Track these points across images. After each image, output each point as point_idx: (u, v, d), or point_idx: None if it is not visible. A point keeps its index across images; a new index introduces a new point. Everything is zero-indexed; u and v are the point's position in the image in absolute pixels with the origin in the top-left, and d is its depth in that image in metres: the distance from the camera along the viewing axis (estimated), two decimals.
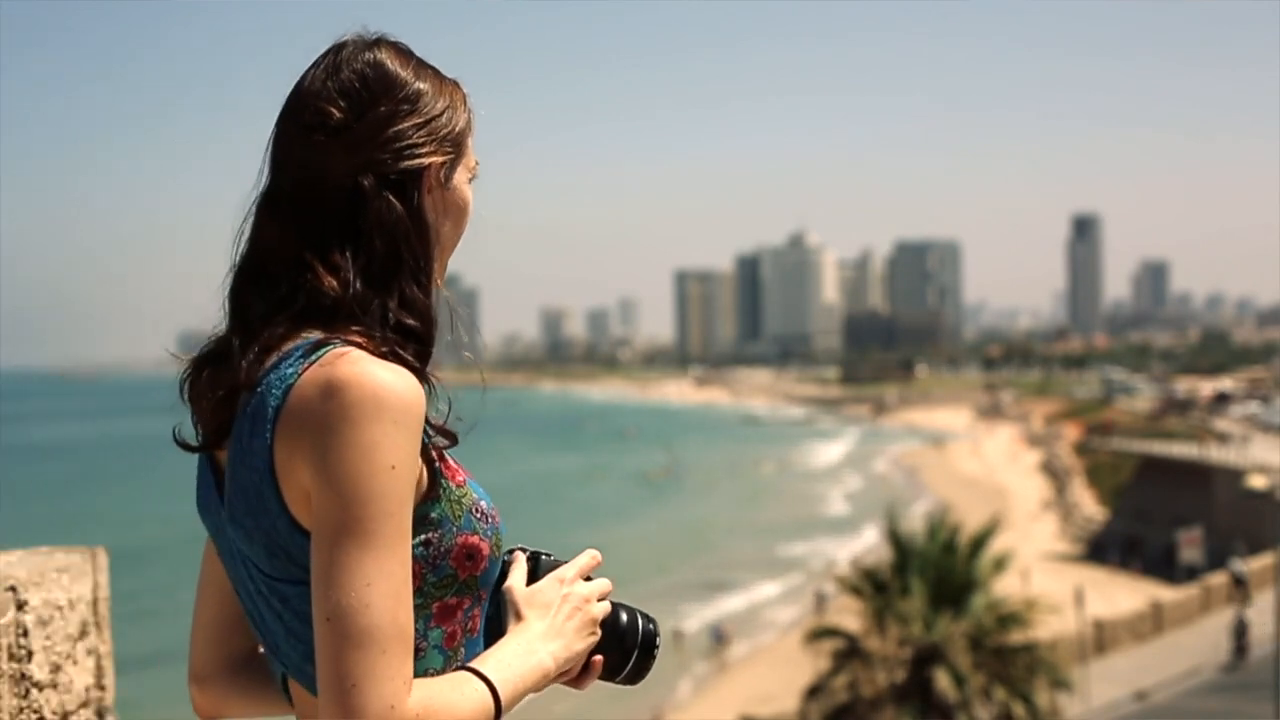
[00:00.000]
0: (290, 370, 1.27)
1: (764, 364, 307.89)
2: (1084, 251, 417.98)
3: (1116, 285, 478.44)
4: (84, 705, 2.27)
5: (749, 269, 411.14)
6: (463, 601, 1.35)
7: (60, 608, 2.21)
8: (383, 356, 1.27)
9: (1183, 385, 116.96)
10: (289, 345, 1.30)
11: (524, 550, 1.48)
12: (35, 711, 2.12)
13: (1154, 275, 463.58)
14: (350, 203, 1.34)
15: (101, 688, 2.35)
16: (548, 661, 1.37)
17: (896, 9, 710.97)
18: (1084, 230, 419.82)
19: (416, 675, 1.25)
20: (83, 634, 2.28)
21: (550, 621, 1.39)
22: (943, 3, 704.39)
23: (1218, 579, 35.63)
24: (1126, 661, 29.54)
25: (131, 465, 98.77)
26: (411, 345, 1.32)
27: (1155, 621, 32.53)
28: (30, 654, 2.12)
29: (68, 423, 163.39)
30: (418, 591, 1.29)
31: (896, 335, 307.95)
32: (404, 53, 1.42)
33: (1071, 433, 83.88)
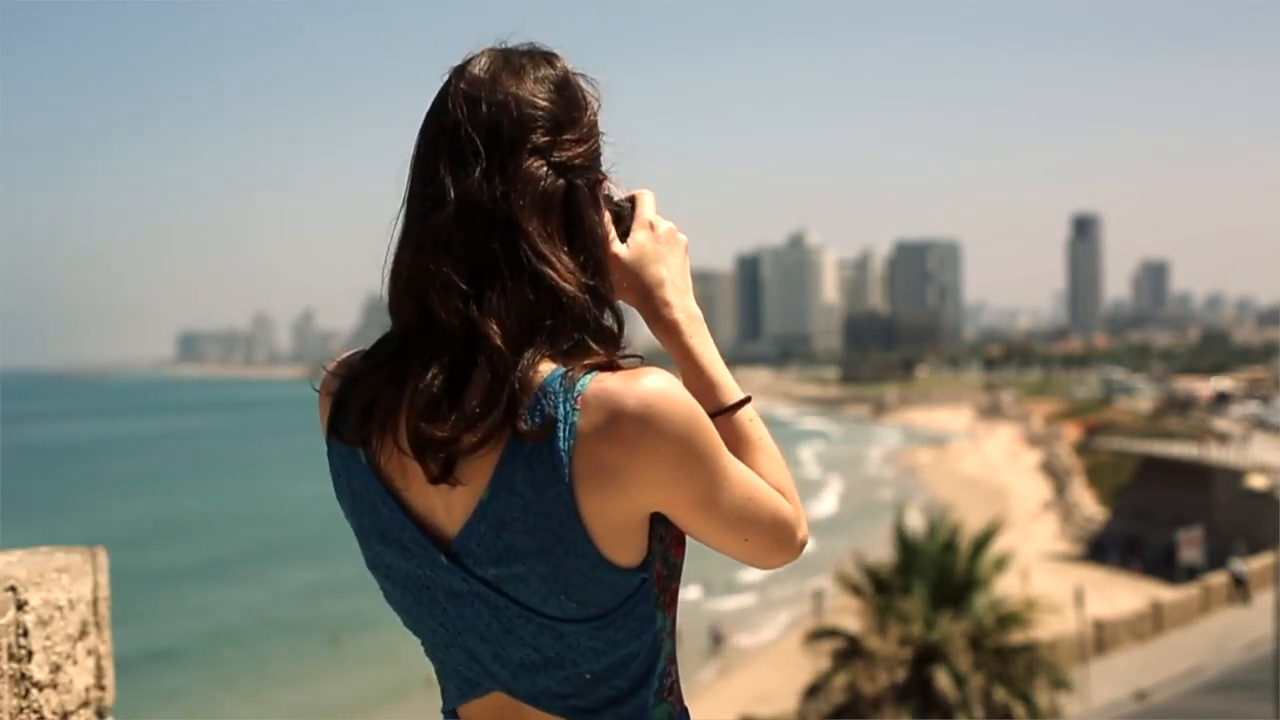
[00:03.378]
0: (564, 409, 1.27)
1: (764, 364, 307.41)
2: (1084, 251, 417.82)
3: (1116, 285, 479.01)
4: (84, 705, 2.27)
5: (749, 269, 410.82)
6: (678, 585, 1.43)
7: (60, 608, 2.20)
8: (619, 367, 1.33)
9: (1182, 385, 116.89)
10: (539, 379, 1.29)
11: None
12: (35, 711, 2.12)
13: (1154, 275, 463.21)
14: (568, 204, 1.37)
15: (101, 688, 2.35)
16: (698, 311, 1.52)
17: (897, 9, 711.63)
18: (1084, 230, 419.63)
19: (658, 665, 1.39)
20: (83, 634, 2.28)
21: (677, 280, 1.51)
22: (943, 3, 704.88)
23: (1218, 579, 35.62)
24: (1126, 661, 29.53)
25: (131, 465, 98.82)
26: (616, 351, 1.37)
27: (1155, 621, 32.53)
28: (30, 654, 2.11)
29: (68, 423, 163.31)
30: (660, 588, 1.38)
31: (896, 335, 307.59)
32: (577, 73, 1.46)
33: (1071, 433, 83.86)
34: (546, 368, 1.30)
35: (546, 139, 1.36)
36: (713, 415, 1.41)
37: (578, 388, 1.28)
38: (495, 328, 1.29)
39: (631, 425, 1.26)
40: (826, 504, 67.88)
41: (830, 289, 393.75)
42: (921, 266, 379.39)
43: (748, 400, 1.47)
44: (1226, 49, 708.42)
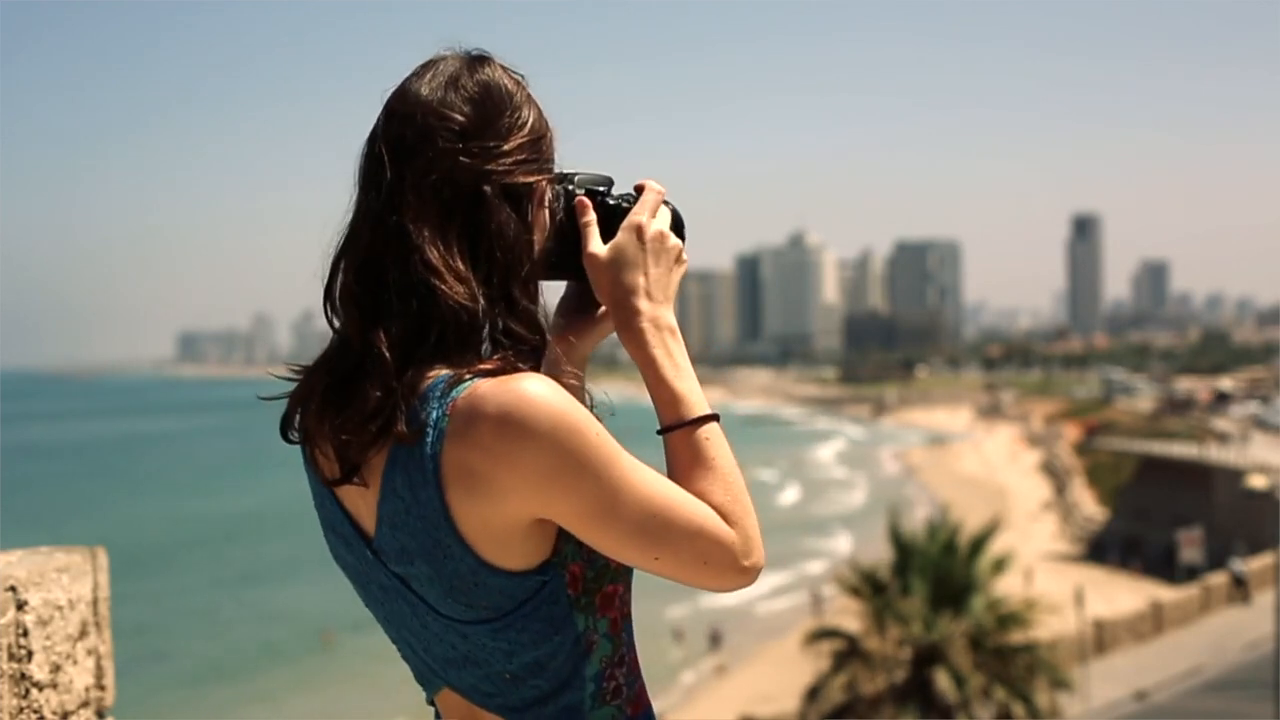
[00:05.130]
0: (436, 414, 1.28)
1: (764, 364, 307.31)
2: (1084, 251, 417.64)
3: (1116, 285, 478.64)
4: (84, 705, 2.27)
5: (749, 269, 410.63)
6: (618, 587, 1.40)
7: (60, 608, 2.20)
8: (512, 371, 1.31)
9: (1182, 385, 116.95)
10: (425, 385, 1.31)
11: (586, 193, 1.48)
12: (35, 711, 2.12)
13: (1154, 275, 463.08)
14: (472, 210, 1.36)
15: (101, 688, 2.34)
16: (672, 321, 1.47)
17: (897, 9, 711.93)
18: (1084, 230, 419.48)
19: (591, 667, 1.38)
20: (83, 634, 2.28)
21: (652, 287, 1.46)
22: (943, 3, 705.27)
23: (1218, 579, 35.66)
24: (1126, 661, 29.55)
25: (131, 465, 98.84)
26: (527, 356, 1.36)
27: (1155, 621, 32.54)
28: (30, 654, 2.11)
29: (67, 423, 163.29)
30: (581, 590, 1.36)
31: (896, 335, 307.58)
32: (511, 74, 1.45)
33: (1071, 433, 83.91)
34: (435, 373, 1.31)
35: (451, 145, 1.36)
36: (668, 430, 1.41)
37: (454, 393, 1.29)
38: (382, 336, 1.31)
39: (489, 430, 1.26)
40: (855, 499, 68.56)
41: (830, 289, 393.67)
42: (921, 266, 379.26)
43: (712, 418, 1.42)
44: (1226, 49, 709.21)
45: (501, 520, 1.29)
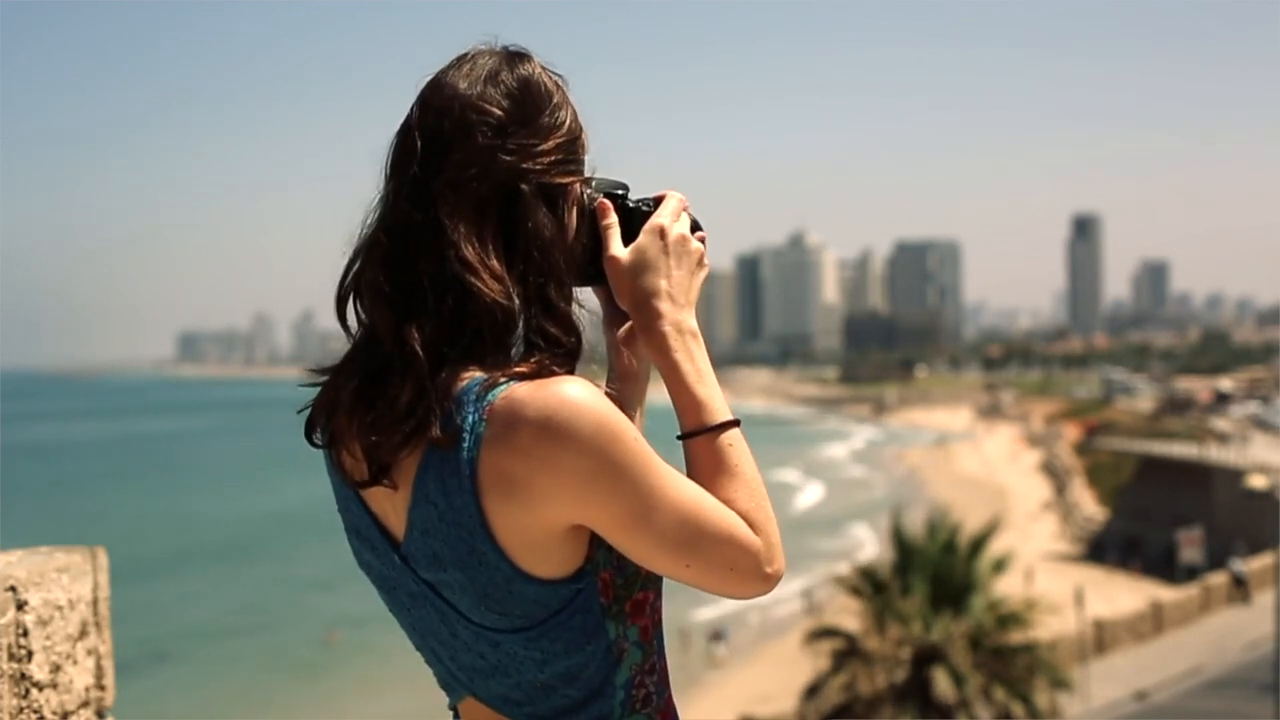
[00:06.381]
0: (472, 419, 1.26)
1: (764, 364, 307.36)
2: (1084, 251, 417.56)
3: (1116, 285, 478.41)
4: (84, 705, 2.27)
5: (749, 269, 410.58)
6: (649, 594, 1.39)
7: (60, 608, 2.20)
8: (548, 375, 1.29)
9: (1182, 385, 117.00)
10: (459, 387, 1.28)
11: (608, 196, 1.47)
12: (35, 711, 2.11)
13: (1154, 275, 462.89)
14: (508, 208, 1.34)
15: (101, 688, 2.34)
16: (694, 325, 1.45)
17: (897, 9, 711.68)
18: (1084, 230, 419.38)
19: (622, 675, 1.36)
20: (83, 634, 2.28)
21: (674, 291, 1.44)
22: (943, 3, 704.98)
23: (1218, 579, 35.67)
24: (1126, 661, 29.55)
25: (132, 465, 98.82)
26: (562, 359, 1.33)
27: (1155, 621, 32.54)
28: (30, 654, 2.11)
29: (68, 423, 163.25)
30: (612, 597, 1.35)
31: (896, 335, 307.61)
32: (550, 73, 1.42)
33: (1071, 433, 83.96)
34: (469, 375, 1.29)
35: (489, 141, 1.33)
36: (691, 435, 1.39)
37: (489, 396, 1.26)
38: (415, 335, 1.29)
39: (530, 435, 1.24)
40: (876, 499, 69.02)
41: (830, 289, 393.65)
42: (921, 266, 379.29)
43: (734, 424, 1.40)
44: (1226, 49, 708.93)
45: (539, 527, 1.27)
